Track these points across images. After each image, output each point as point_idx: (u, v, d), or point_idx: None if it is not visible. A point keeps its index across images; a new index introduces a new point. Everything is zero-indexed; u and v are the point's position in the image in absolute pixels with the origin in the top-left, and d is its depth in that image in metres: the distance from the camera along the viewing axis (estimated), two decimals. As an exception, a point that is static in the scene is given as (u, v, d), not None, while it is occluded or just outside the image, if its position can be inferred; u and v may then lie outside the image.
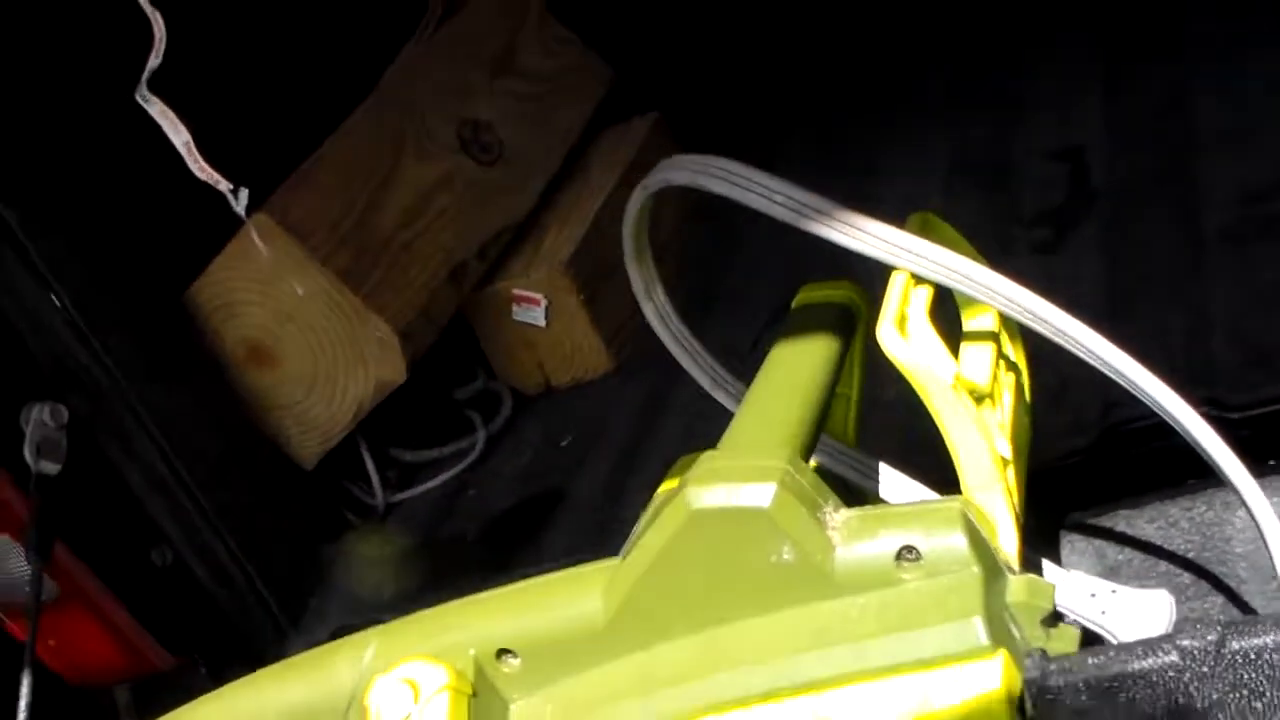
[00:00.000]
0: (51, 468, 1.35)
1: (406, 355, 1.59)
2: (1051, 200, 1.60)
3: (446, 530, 1.62)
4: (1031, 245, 1.50)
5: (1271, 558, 0.75)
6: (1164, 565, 0.98)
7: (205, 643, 1.47)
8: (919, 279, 0.80)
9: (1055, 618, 0.76)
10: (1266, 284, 1.23)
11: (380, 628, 0.88)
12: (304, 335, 1.58)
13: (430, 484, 1.69)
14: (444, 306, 1.69)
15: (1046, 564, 0.88)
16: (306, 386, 1.60)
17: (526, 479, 1.64)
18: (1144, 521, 1.02)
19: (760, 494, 0.74)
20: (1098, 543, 0.99)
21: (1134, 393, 0.77)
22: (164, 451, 1.45)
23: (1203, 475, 1.01)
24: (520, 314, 1.72)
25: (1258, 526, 0.75)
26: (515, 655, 0.82)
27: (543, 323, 1.71)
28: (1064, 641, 0.74)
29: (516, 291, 1.72)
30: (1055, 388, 1.06)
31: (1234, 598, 0.94)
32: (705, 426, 1.03)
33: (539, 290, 1.71)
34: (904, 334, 0.77)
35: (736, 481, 0.75)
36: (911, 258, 0.80)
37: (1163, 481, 1.04)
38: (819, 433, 0.85)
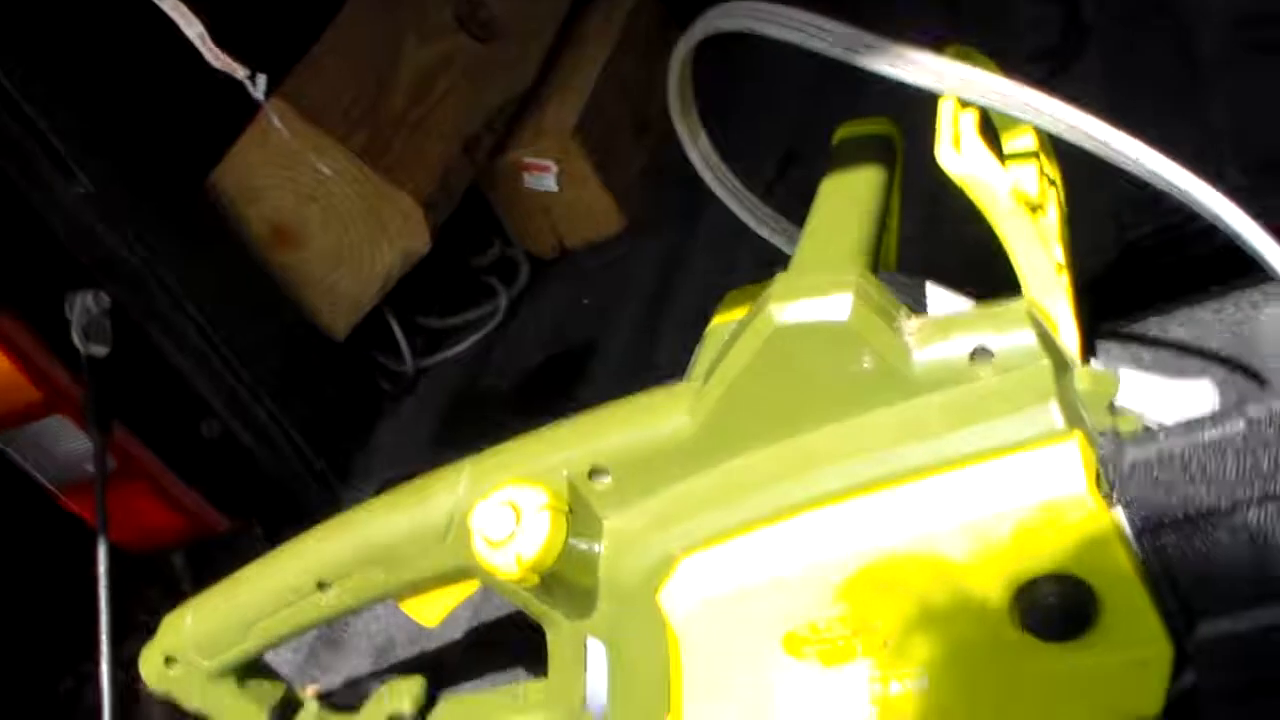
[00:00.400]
0: (100, 350, 1.39)
1: (430, 224, 1.63)
2: (1048, 39, 1.63)
3: (479, 387, 1.67)
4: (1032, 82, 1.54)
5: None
6: (1198, 363, 1.03)
7: (258, 505, 1.53)
8: (965, 103, 0.84)
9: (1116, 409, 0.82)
10: (1268, 98, 1.27)
11: (472, 458, 0.93)
12: (328, 214, 1.61)
13: (458, 348, 1.75)
14: (460, 178, 1.72)
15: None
16: (334, 262, 1.64)
17: (552, 337, 1.69)
18: (1175, 325, 1.08)
19: (840, 307, 0.79)
20: (1132, 348, 1.04)
21: (1177, 195, 0.81)
22: (202, 329, 1.50)
23: (1224, 281, 1.08)
24: (532, 181, 1.76)
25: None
26: (606, 474, 0.87)
27: (555, 188, 1.75)
28: (1129, 425, 0.80)
29: (527, 160, 1.75)
30: (1068, 216, 1.10)
31: (1268, 388, 0.99)
32: (723, 278, 1.09)
33: (548, 157, 1.75)
34: (960, 152, 0.81)
35: (814, 296, 0.80)
36: (958, 83, 0.84)
37: (1188, 289, 1.09)
38: (879, 253, 0.89)
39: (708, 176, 1.04)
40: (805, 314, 0.79)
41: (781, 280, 0.82)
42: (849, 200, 0.91)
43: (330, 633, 1.38)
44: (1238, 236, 0.80)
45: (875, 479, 0.80)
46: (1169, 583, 0.78)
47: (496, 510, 0.86)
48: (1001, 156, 0.91)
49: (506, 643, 1.17)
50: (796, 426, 0.82)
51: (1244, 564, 0.77)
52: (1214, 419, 0.74)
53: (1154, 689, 0.79)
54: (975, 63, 0.90)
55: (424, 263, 1.70)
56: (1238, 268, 1.06)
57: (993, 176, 0.81)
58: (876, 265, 0.87)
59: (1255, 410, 0.72)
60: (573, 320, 1.71)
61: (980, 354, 0.79)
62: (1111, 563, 0.76)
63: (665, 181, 1.76)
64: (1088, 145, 0.82)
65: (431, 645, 1.27)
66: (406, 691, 1.06)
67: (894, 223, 1.02)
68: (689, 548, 0.84)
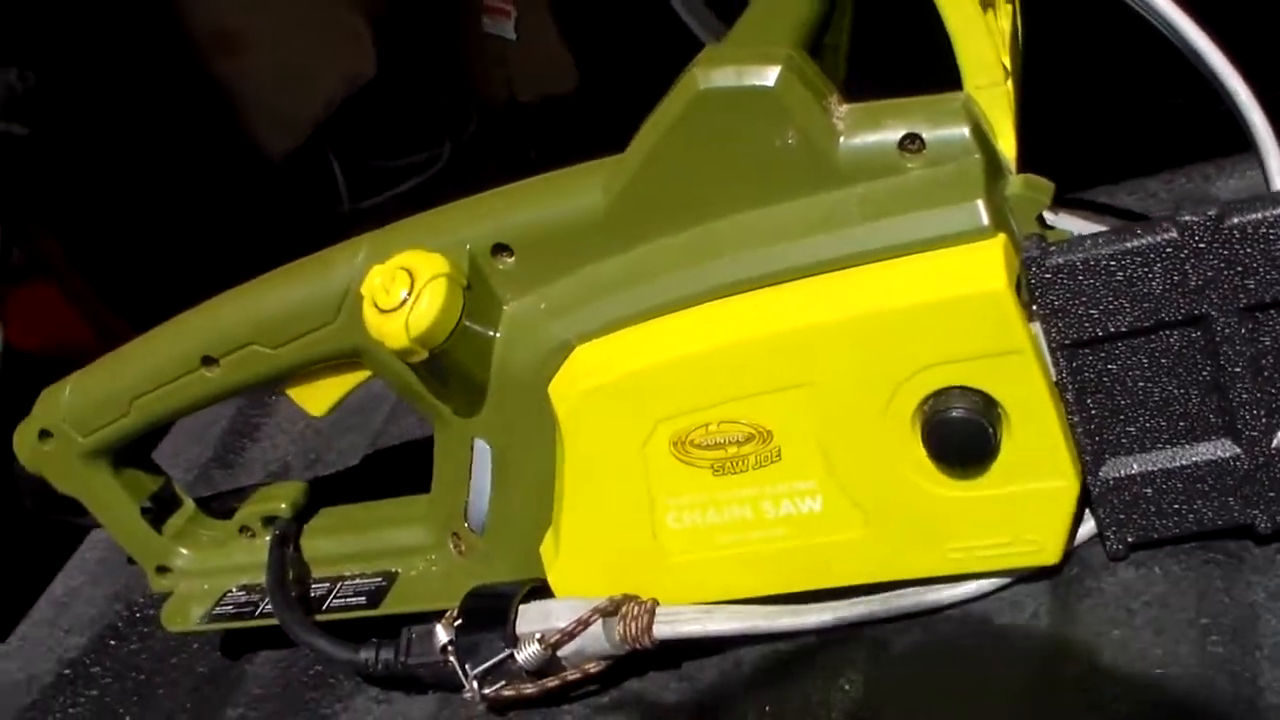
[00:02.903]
0: (19, 130, 1.33)
1: (377, 48, 1.57)
2: None
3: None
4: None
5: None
6: (1143, 227, 0.99)
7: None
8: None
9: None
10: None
11: (372, 233, 0.88)
12: (274, 25, 1.55)
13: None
14: (416, 7, 1.66)
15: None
16: (276, 79, 1.58)
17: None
18: (1124, 194, 1.04)
19: (767, 74, 0.74)
20: (1079, 212, 0.99)
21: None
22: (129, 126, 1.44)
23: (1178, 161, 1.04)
24: (490, 26, 1.70)
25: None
26: (510, 252, 0.82)
27: (513, 35, 1.69)
28: (1058, 236, 0.75)
29: (487, 2, 1.69)
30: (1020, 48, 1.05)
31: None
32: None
33: (508, 1, 1.69)
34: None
35: (743, 64, 0.74)
36: None
37: (1141, 164, 1.05)
38: (818, 51, 0.84)
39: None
40: (731, 79, 0.74)
41: (710, 49, 0.77)
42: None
43: (224, 455, 1.34)
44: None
45: (787, 270, 0.75)
46: (1082, 410, 0.73)
47: (390, 276, 0.81)
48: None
49: (403, 473, 1.12)
50: (713, 208, 0.77)
51: (1158, 396, 0.73)
52: (1146, 225, 0.70)
53: (1055, 529, 0.75)
54: None
55: (371, 101, 1.65)
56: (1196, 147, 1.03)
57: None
58: (815, 56, 0.81)
59: (1191, 215, 0.68)
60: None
61: (910, 142, 0.74)
62: (1025, 381, 0.72)
63: (625, 42, 1.70)
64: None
65: (327, 472, 1.22)
66: (285, 495, 1.01)
67: (842, 43, 0.97)
68: (587, 336, 0.80)
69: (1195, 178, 1.02)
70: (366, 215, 1.71)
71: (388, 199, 1.71)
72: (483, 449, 0.87)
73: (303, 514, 1.01)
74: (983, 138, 0.74)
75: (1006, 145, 0.78)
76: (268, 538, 0.98)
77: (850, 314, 0.73)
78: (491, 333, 0.83)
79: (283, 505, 1.00)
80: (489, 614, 0.83)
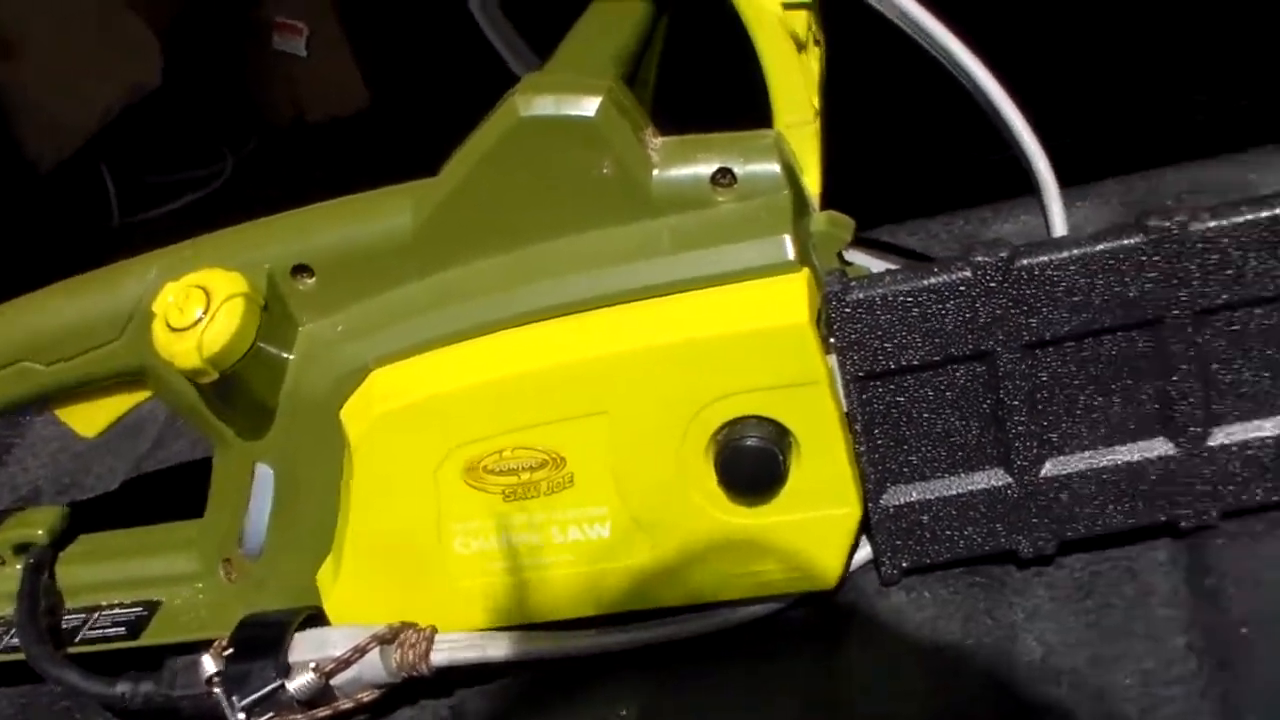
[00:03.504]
0: None
1: (164, 59, 1.53)
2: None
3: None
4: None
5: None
6: (925, 267, 1.03)
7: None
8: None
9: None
10: None
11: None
12: (52, 31, 1.50)
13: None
14: (205, 22, 1.62)
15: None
16: (51, 86, 1.52)
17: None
18: (906, 234, 1.09)
19: (587, 104, 0.75)
20: (868, 250, 1.03)
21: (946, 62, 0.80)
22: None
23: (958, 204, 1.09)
24: (281, 43, 1.68)
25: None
26: (311, 273, 0.81)
27: (303, 53, 1.67)
28: (856, 272, 0.79)
29: (278, 19, 1.67)
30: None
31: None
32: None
33: (301, 18, 1.67)
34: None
35: (564, 93, 0.76)
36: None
37: (924, 205, 1.10)
38: (633, 85, 0.86)
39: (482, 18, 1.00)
40: (551, 108, 0.76)
41: (531, 77, 0.79)
42: (612, 23, 0.88)
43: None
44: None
45: (593, 298, 0.76)
46: (869, 440, 0.77)
47: (185, 294, 0.79)
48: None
49: (169, 498, 1.08)
50: (525, 234, 0.78)
51: (940, 427, 0.77)
52: (941, 264, 0.73)
53: (835, 555, 0.78)
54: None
55: (151, 114, 1.60)
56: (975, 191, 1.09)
57: (764, -6, 0.79)
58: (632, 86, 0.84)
59: (983, 255, 0.72)
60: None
61: (722, 177, 0.76)
62: (818, 411, 0.75)
63: (418, 66, 1.70)
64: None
65: (84, 497, 1.18)
66: (41, 521, 0.95)
67: (650, 78, 1.00)
68: (385, 359, 0.79)
69: (973, 220, 1.07)
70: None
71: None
72: (265, 473, 0.85)
73: (60, 541, 0.95)
74: (791, 174, 0.77)
75: (812, 182, 0.81)
76: (19, 566, 0.93)
77: (650, 344, 0.74)
78: (286, 355, 0.82)
79: (39, 532, 0.94)
80: (261, 643, 0.80)
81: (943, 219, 1.08)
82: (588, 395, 0.76)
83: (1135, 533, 0.78)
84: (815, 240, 0.78)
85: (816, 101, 0.83)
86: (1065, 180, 1.04)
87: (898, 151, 1.16)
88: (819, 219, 0.79)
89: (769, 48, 0.79)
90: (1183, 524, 0.77)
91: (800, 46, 0.82)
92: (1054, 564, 0.79)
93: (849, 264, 0.80)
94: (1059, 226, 0.79)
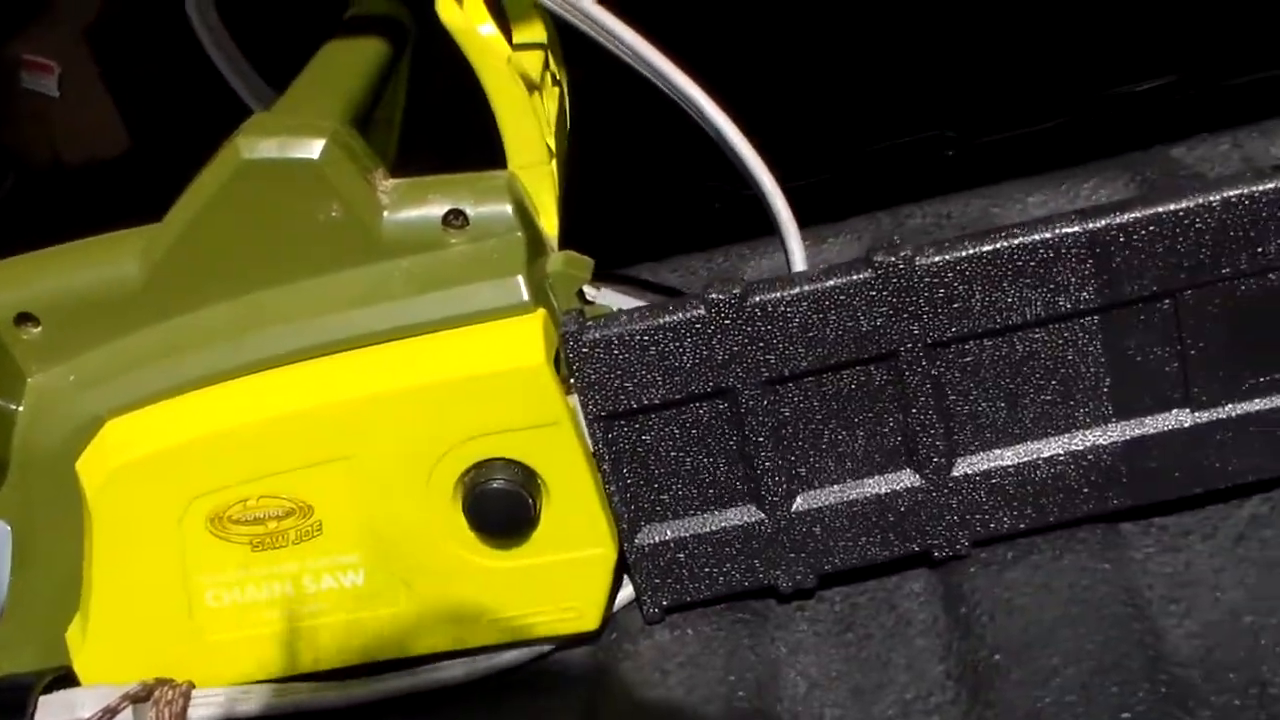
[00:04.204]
0: None
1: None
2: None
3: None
4: None
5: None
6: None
7: None
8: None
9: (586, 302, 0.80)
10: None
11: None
12: None
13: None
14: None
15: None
16: None
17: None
18: (667, 271, 1.08)
19: (311, 147, 0.73)
20: (623, 287, 1.03)
21: (692, 111, 0.80)
22: None
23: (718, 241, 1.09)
24: (30, 81, 1.60)
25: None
26: (36, 322, 0.78)
27: (55, 92, 1.60)
28: (598, 311, 0.78)
29: (27, 57, 1.60)
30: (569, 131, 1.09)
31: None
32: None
33: (52, 56, 1.60)
34: (462, 6, 0.77)
35: (287, 135, 0.74)
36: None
37: (684, 242, 1.10)
38: (366, 126, 0.84)
39: (206, 39, 0.97)
40: (274, 150, 0.73)
41: (255, 119, 0.76)
42: (344, 64, 0.86)
43: None
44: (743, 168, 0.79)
45: (329, 343, 0.75)
46: (618, 479, 0.76)
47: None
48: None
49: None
50: (257, 279, 0.76)
51: (689, 465, 0.76)
52: (677, 302, 0.73)
53: (595, 596, 0.77)
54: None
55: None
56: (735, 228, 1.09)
57: (490, 38, 0.78)
58: (365, 130, 0.81)
59: (717, 293, 0.71)
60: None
61: (454, 218, 0.75)
62: (563, 452, 0.74)
63: (179, 106, 1.65)
64: (601, 40, 0.80)
65: None
66: None
67: (396, 116, 0.98)
68: (119, 409, 0.77)
69: (733, 257, 1.07)
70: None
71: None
72: (2, 530, 0.81)
73: None
74: (525, 215, 0.76)
75: (549, 223, 0.80)
76: None
77: (388, 388, 0.73)
78: (14, 406, 0.78)
79: None
80: (3, 708, 0.77)
81: (703, 255, 1.08)
82: (325, 442, 0.74)
83: (893, 564, 0.78)
84: (552, 280, 0.77)
85: (552, 142, 0.82)
86: (819, 217, 1.06)
87: (657, 188, 1.15)
88: (556, 259, 0.78)
89: (497, 91, 0.77)
90: (936, 554, 0.77)
91: (533, 88, 0.80)
92: (815, 597, 0.79)
93: (590, 303, 0.79)
94: (798, 263, 0.79)
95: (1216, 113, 1.06)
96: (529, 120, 0.78)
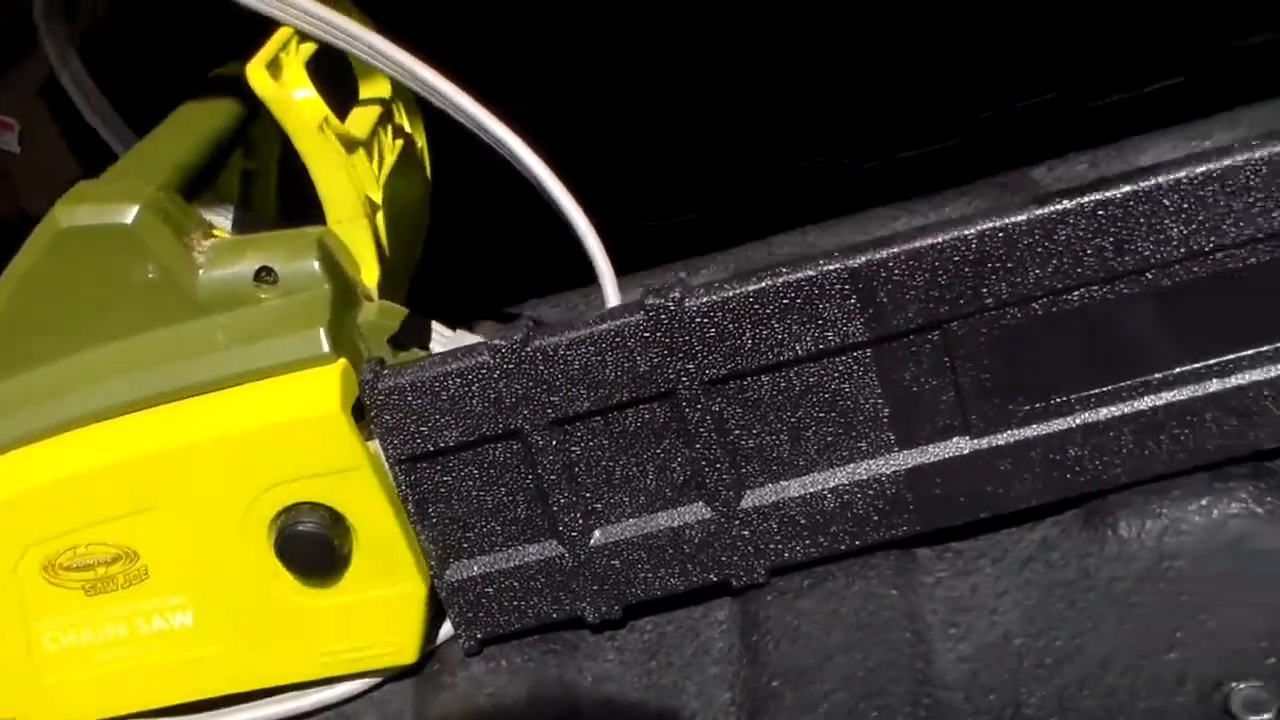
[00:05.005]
0: None
1: None
2: None
3: None
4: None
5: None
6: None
7: None
8: (304, 37, 0.85)
9: (403, 345, 0.83)
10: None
11: None
12: None
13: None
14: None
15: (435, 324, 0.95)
16: None
17: None
18: (547, 307, 1.11)
19: (125, 212, 0.78)
20: (497, 326, 1.06)
21: (504, 153, 0.83)
22: None
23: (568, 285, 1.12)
24: (-6, 138, 1.67)
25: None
26: None
27: (16, 149, 1.67)
28: (410, 358, 0.81)
29: (-11, 114, 1.66)
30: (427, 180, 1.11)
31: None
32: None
33: (12, 113, 1.66)
34: (276, 77, 0.81)
35: (103, 202, 0.78)
36: (296, 14, 0.84)
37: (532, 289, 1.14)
38: (204, 185, 0.88)
39: (77, 98, 1.02)
40: (91, 217, 0.78)
41: (78, 186, 0.81)
42: (189, 126, 0.90)
43: None
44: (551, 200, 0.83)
45: (148, 398, 0.79)
46: (424, 519, 0.79)
47: None
48: (350, 97, 0.92)
49: None
50: (81, 339, 0.80)
51: (490, 503, 0.79)
52: (464, 350, 0.76)
53: (410, 631, 0.81)
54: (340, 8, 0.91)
55: None
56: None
57: (304, 102, 0.81)
58: (194, 193, 0.85)
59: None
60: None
61: (266, 275, 0.79)
62: (365, 495, 0.78)
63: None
64: (431, 98, 0.84)
65: None
66: None
67: (271, 168, 1.02)
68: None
69: (576, 305, 1.10)
70: None
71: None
72: None
73: None
74: (333, 270, 0.80)
75: (369, 275, 0.84)
76: None
77: (196, 439, 0.77)
78: None
79: None
80: None
81: (551, 299, 1.11)
82: (143, 491, 0.78)
83: (702, 592, 0.81)
84: (363, 330, 0.80)
85: (377, 195, 0.86)
86: (685, 251, 1.09)
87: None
88: (369, 309, 0.81)
89: (310, 153, 0.81)
90: (734, 583, 0.80)
91: (355, 145, 0.84)
92: (628, 626, 0.82)
93: (405, 349, 0.83)
94: (612, 299, 0.82)
95: (1076, 133, 1.07)
96: (344, 179, 0.82)
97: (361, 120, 0.89)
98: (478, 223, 1.11)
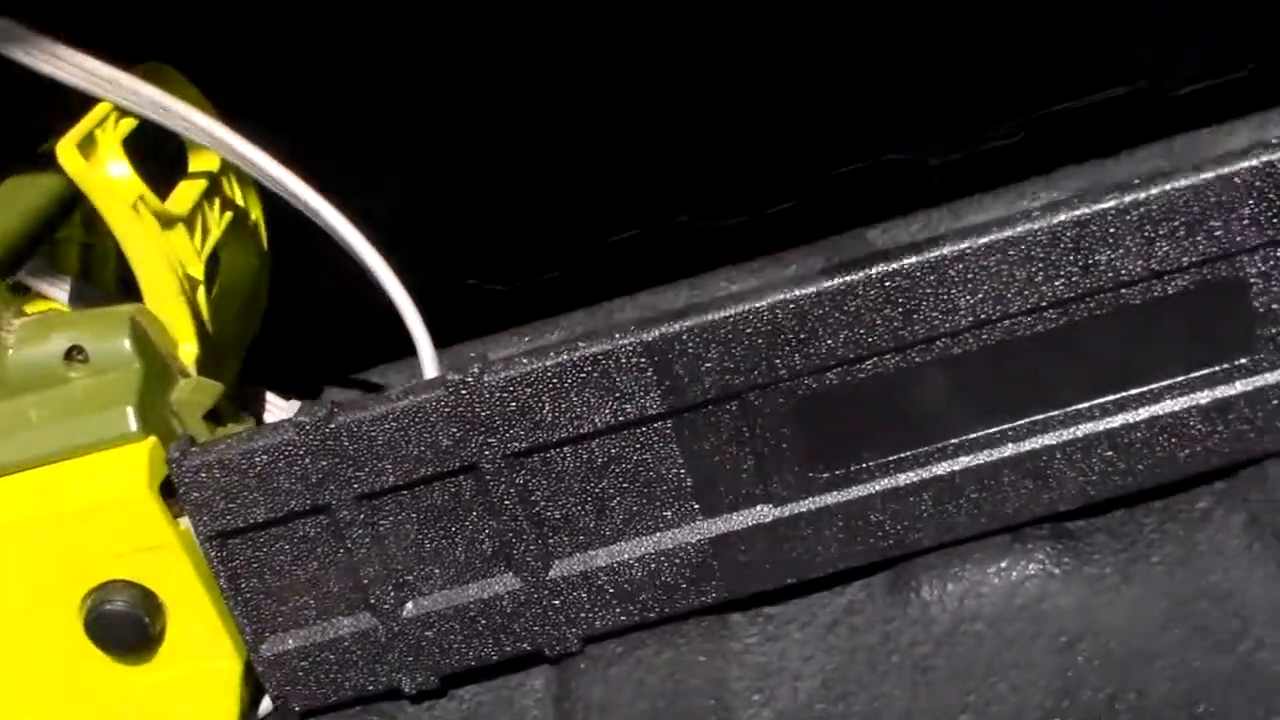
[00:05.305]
0: None
1: None
2: None
3: None
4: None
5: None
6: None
7: None
8: (123, 112, 0.86)
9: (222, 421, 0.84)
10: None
11: None
12: None
13: None
14: None
15: (270, 395, 0.96)
16: None
17: None
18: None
19: (-77, 301, 0.78)
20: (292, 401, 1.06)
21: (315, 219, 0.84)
22: None
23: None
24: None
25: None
26: None
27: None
28: (225, 433, 0.82)
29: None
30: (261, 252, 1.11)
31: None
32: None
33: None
34: (89, 154, 0.82)
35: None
36: (114, 89, 0.85)
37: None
38: (18, 264, 0.88)
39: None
40: (-108, 311, 0.78)
41: (-114, 273, 0.81)
42: (8, 204, 0.90)
43: None
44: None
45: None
46: (237, 594, 0.80)
47: None
48: (176, 173, 0.93)
49: None
50: None
51: (303, 577, 0.80)
52: (270, 427, 0.77)
53: (226, 706, 0.81)
54: (168, 82, 0.92)
55: None
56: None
57: (117, 183, 0.82)
58: (8, 272, 0.86)
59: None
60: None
61: (76, 354, 0.79)
62: (175, 572, 0.78)
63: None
64: (253, 173, 0.85)
65: None
66: None
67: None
68: None
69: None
70: None
71: None
72: None
73: None
74: (145, 348, 0.80)
75: (186, 352, 0.84)
76: None
77: (6, 518, 0.77)
78: None
79: None
80: None
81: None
82: None
83: (519, 661, 0.82)
84: (177, 408, 0.81)
85: (197, 270, 0.86)
86: (537, 314, 1.10)
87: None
88: (184, 386, 0.82)
89: (120, 230, 0.82)
90: (548, 652, 0.80)
91: (172, 221, 0.85)
92: (447, 695, 0.83)
93: (223, 424, 0.83)
94: (429, 370, 0.83)
95: (910, 194, 1.09)
96: (155, 255, 0.83)
97: (184, 195, 0.89)
98: (323, 289, 1.12)
